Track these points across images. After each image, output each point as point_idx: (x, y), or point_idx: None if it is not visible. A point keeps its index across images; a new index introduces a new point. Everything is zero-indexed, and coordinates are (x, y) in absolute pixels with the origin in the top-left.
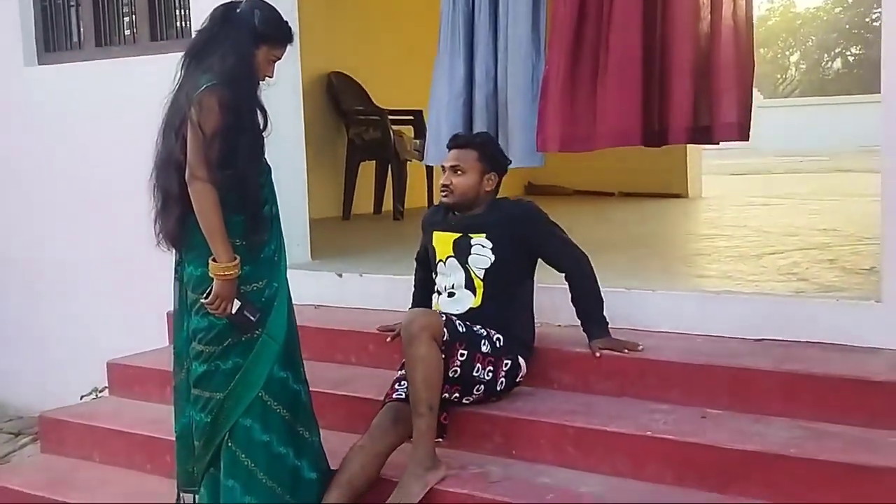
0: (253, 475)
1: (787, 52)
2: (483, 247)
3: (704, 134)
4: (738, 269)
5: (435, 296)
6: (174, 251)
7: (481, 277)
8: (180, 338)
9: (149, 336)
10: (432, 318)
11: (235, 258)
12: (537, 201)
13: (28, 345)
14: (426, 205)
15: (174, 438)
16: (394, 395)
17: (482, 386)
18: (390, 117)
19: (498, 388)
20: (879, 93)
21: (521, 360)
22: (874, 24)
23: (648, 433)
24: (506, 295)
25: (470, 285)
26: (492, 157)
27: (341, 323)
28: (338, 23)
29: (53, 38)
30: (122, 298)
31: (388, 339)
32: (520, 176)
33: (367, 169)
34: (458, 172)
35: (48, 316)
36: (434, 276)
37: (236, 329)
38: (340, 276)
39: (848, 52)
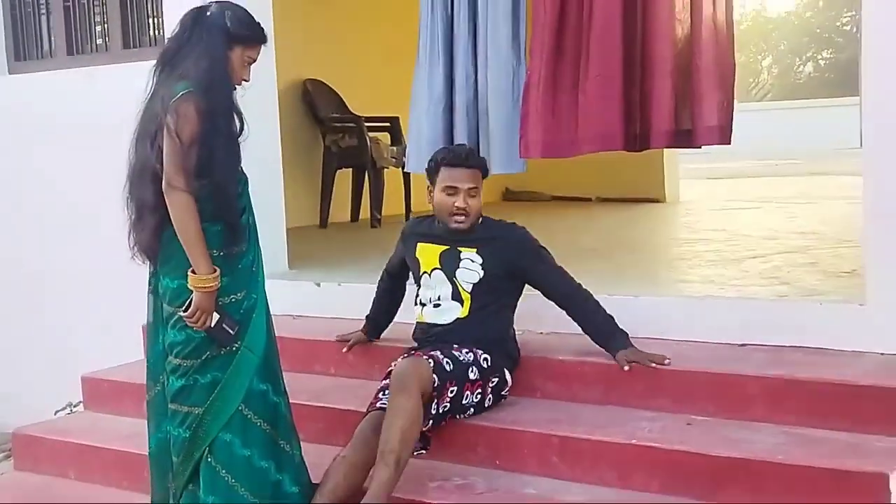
0: (234, 490)
1: (760, 57)
2: (472, 261)
3: (686, 137)
4: (720, 273)
5: (418, 307)
6: (149, 263)
7: (469, 291)
8: (155, 352)
9: (124, 350)
10: (424, 370)
11: (215, 270)
12: (515, 207)
13: (3, 365)
14: (403, 212)
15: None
16: (377, 405)
17: (472, 408)
18: (367, 124)
19: (486, 405)
20: (851, 96)
21: (507, 374)
22: (844, 27)
23: (634, 441)
24: (493, 307)
25: (457, 297)
26: (486, 171)
27: (320, 333)
28: (313, 30)
29: (24, 46)
30: (96, 312)
31: (345, 350)
32: (497, 182)
33: (344, 176)
34: (473, 195)
35: (21, 329)
36: (417, 286)
37: (215, 342)
38: (318, 285)
39: (819, 56)
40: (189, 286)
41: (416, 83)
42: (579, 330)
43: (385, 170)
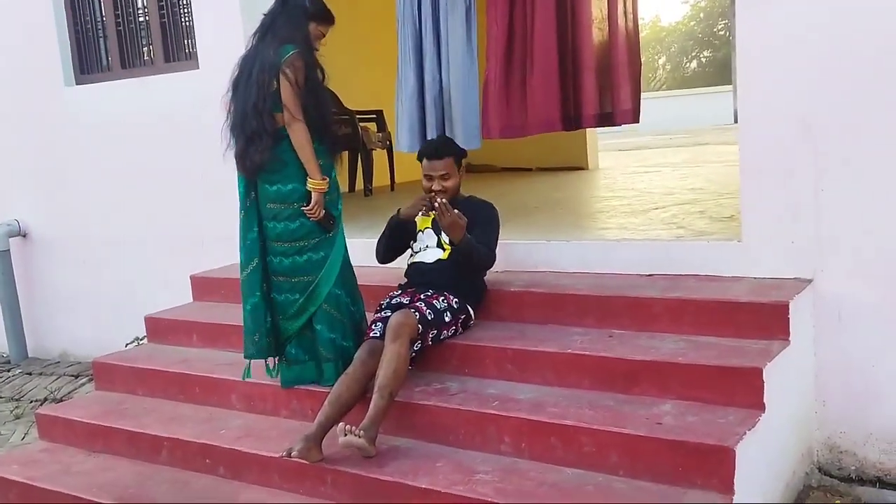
0: (341, 323)
1: (656, 56)
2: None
3: (608, 118)
4: (631, 221)
5: (409, 252)
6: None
7: (449, 243)
8: (249, 239)
9: (177, 295)
10: (411, 320)
11: (325, 177)
12: (474, 178)
13: (83, 305)
14: (389, 184)
15: (243, 322)
16: (370, 335)
17: (446, 339)
18: (358, 116)
19: (456, 334)
20: (725, 85)
21: (471, 310)
22: (720, 33)
23: (569, 350)
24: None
25: (440, 246)
26: (460, 155)
27: None
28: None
29: (87, 62)
30: (154, 267)
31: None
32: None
33: (342, 157)
34: (446, 178)
35: (97, 282)
36: (413, 241)
37: (323, 227)
38: None
39: (701, 55)
40: (308, 188)
41: (397, 83)
42: (526, 268)
43: (373, 151)
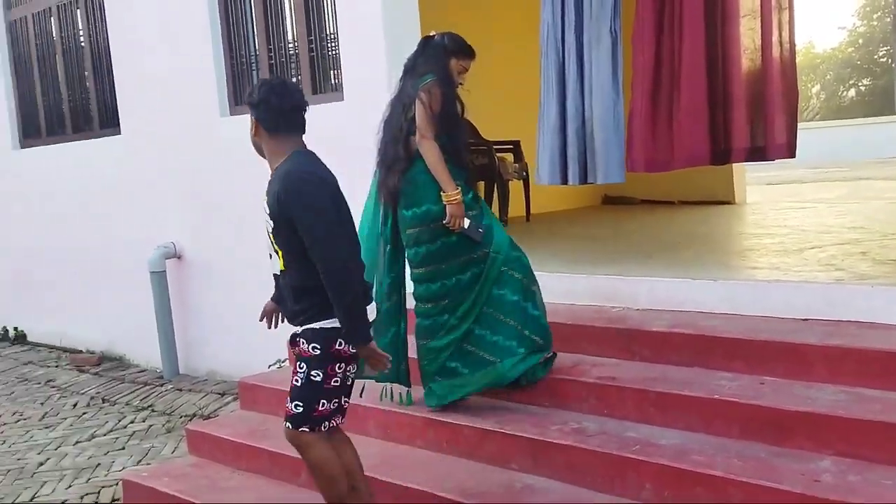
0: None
1: (810, 85)
2: (266, 210)
3: (760, 153)
4: (784, 261)
5: None
6: (390, 204)
7: (275, 242)
8: (389, 276)
9: None
10: (290, 433)
11: (457, 187)
12: (612, 211)
13: (228, 326)
14: (525, 214)
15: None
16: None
17: (340, 389)
18: (495, 147)
19: (343, 403)
20: (888, 115)
21: (332, 344)
22: (881, 59)
23: (716, 396)
24: (297, 255)
25: (274, 249)
26: (251, 104)
27: None
28: None
29: (240, 94)
30: None
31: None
32: (598, 189)
33: (479, 187)
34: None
35: (242, 304)
36: None
37: (469, 239)
38: None
39: (860, 84)
40: (444, 201)
41: (539, 115)
42: (670, 307)
43: (509, 181)
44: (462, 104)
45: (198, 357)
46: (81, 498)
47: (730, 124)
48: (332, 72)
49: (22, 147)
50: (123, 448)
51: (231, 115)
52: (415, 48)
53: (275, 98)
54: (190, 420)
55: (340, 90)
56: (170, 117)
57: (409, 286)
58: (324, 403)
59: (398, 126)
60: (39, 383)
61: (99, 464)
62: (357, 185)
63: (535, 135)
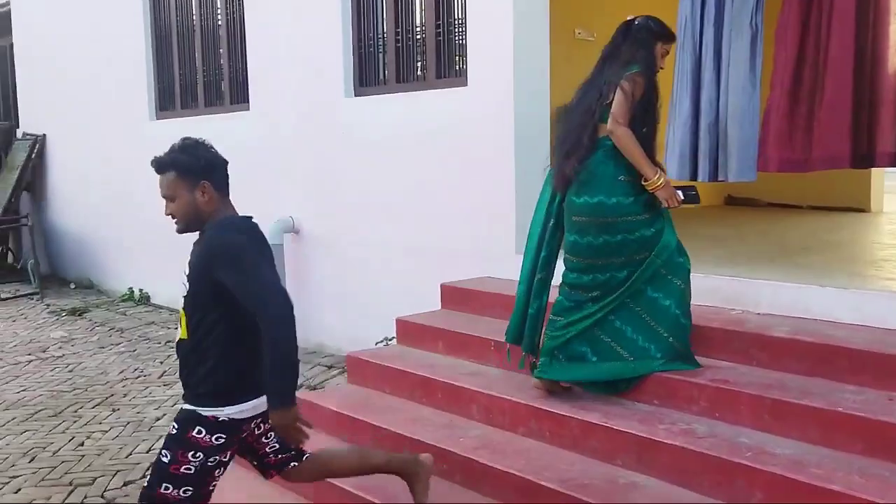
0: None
1: None
2: (185, 272)
3: None
4: None
5: None
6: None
7: (184, 307)
8: (550, 246)
9: (426, 302)
10: None
11: (657, 170)
12: (736, 212)
13: (338, 302)
14: None
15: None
16: None
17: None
18: None
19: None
20: None
21: (213, 413)
22: None
23: (839, 409)
24: (207, 324)
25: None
26: (189, 167)
27: None
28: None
29: (366, 76)
30: (405, 273)
31: None
32: (721, 189)
33: None
34: (172, 199)
35: (352, 281)
36: None
37: (635, 242)
38: None
39: None
40: (649, 189)
41: (670, 108)
42: (793, 313)
43: None
44: (658, 95)
45: (308, 329)
46: None
47: (875, 126)
48: (457, 58)
49: (157, 118)
50: None
51: (355, 95)
52: (615, 32)
53: (217, 157)
54: (297, 390)
55: (464, 76)
56: (296, 96)
57: (560, 265)
58: (167, 487)
59: (590, 111)
60: (160, 343)
61: None
62: (468, 170)
63: (664, 129)
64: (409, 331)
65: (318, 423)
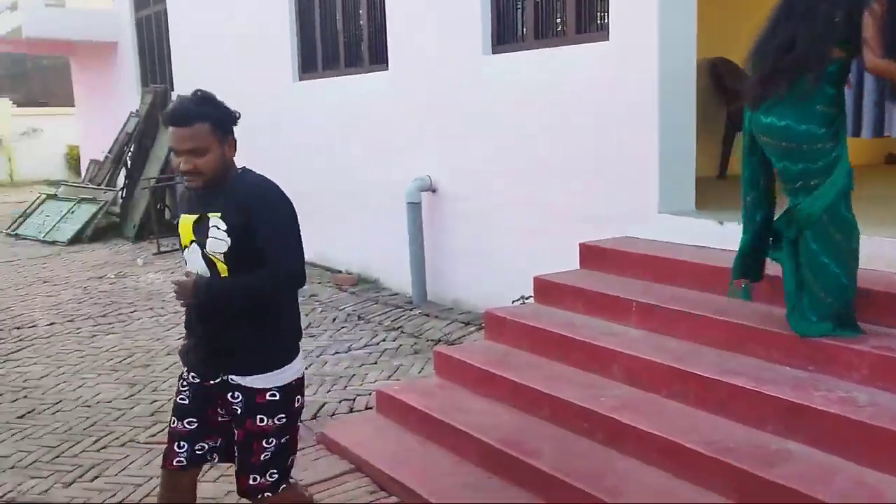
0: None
1: None
2: (218, 228)
3: None
4: None
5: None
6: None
7: (224, 262)
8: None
9: (561, 261)
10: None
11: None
12: (890, 171)
13: (475, 259)
14: None
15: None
16: (173, 461)
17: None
18: None
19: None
20: None
21: (288, 393)
22: None
23: None
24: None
25: (214, 271)
26: (222, 120)
27: (722, 261)
28: (723, 15)
29: (504, 33)
30: (540, 231)
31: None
32: (881, 146)
33: (740, 138)
34: (200, 154)
35: (488, 239)
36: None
37: None
38: (721, 223)
39: None
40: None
41: None
42: None
43: None
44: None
45: (445, 286)
46: (339, 402)
47: None
48: (598, 12)
49: (300, 80)
50: (376, 363)
51: (493, 53)
52: None
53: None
54: (436, 344)
55: (605, 30)
56: (434, 55)
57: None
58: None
59: (830, 24)
60: (305, 297)
61: (354, 374)
62: (608, 128)
63: None
64: (547, 289)
65: (457, 378)
